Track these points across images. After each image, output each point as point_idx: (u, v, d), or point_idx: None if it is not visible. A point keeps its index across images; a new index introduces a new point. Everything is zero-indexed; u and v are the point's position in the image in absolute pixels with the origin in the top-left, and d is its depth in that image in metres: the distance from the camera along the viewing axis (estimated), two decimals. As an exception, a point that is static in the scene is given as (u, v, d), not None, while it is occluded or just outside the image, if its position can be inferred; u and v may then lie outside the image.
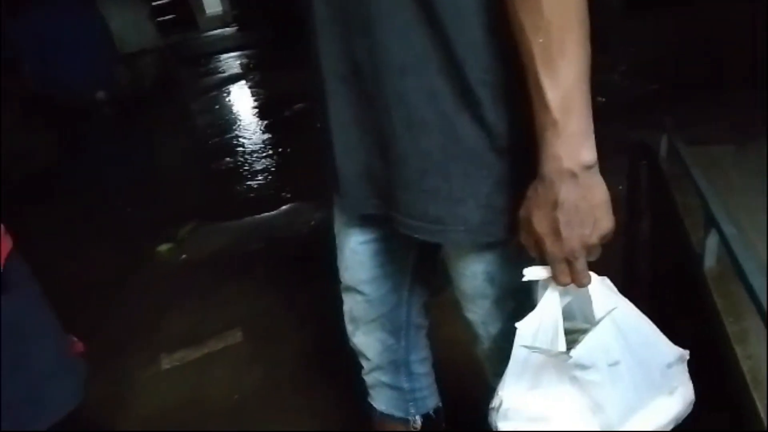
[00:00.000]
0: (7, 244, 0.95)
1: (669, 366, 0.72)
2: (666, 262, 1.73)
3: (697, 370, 0.85)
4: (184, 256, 2.64)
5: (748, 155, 1.80)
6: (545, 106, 0.66)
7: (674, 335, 0.78)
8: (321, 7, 0.81)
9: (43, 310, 1.03)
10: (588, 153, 0.67)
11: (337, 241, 1.05)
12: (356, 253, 1.01)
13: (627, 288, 0.78)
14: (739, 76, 2.67)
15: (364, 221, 0.97)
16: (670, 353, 0.73)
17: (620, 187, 2.15)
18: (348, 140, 0.87)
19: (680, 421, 0.74)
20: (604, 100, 2.90)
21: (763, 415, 0.94)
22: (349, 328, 1.10)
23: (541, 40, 0.65)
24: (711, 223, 1.24)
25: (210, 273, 2.43)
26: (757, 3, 2.76)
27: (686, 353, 0.74)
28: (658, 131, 1.96)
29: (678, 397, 0.72)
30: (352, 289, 1.05)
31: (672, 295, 1.64)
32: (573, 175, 0.67)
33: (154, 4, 7.83)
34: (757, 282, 0.98)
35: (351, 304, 1.08)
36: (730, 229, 1.14)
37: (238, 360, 1.93)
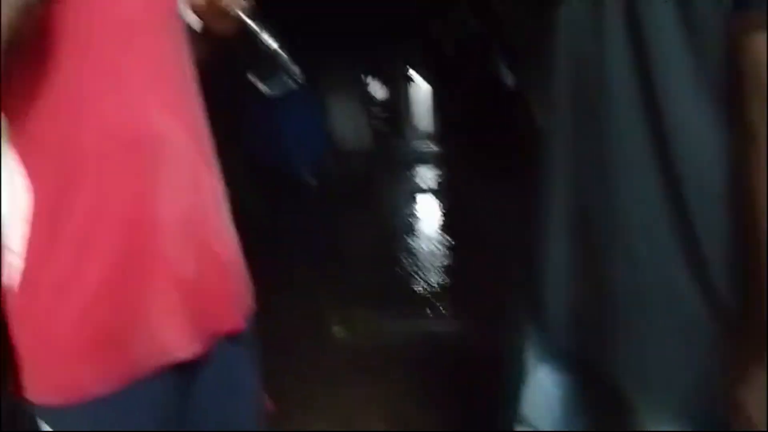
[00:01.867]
0: (251, 298, 1.01)
1: None
2: None
3: None
4: (350, 340, 2.81)
5: None
6: None
7: None
8: (557, 145, 0.88)
9: (255, 365, 1.07)
10: None
11: (524, 374, 1.06)
12: (544, 393, 1.01)
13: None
14: None
15: (559, 360, 0.98)
16: None
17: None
18: (563, 279, 0.89)
19: None
20: None
21: None
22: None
23: None
24: None
25: (368, 362, 2.54)
26: None
27: None
28: None
29: None
30: (526, 422, 1.06)
31: None
32: None
33: (372, 109, 8.80)
34: None
35: None
36: None
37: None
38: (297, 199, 5.98)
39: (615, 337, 0.82)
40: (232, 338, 0.92)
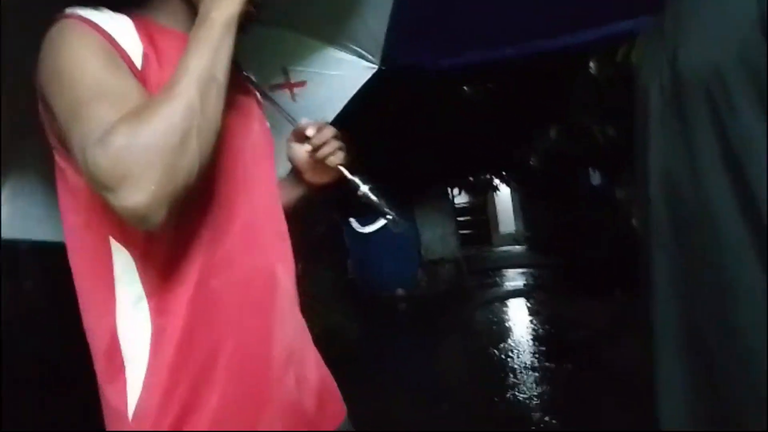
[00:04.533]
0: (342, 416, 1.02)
1: None
2: None
3: None
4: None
5: None
6: None
7: None
8: (662, 264, 0.88)
9: None
10: None
11: None
12: None
13: None
14: None
15: None
16: None
17: None
18: (678, 393, 0.87)
19: None
20: None
21: None
22: None
23: None
24: None
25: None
26: None
27: None
28: None
29: None
30: None
31: None
32: None
33: (459, 219, 9.06)
34: None
35: None
36: None
37: None
38: (388, 314, 6.15)
39: None
40: None
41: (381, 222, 5.40)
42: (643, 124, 0.94)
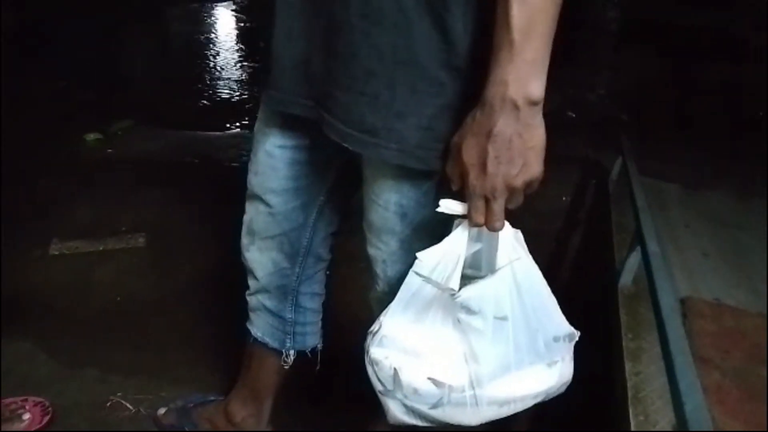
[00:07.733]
0: None
1: (556, 339, 0.67)
2: (589, 273, 1.73)
3: (588, 377, 0.82)
4: (110, 150, 2.48)
5: (696, 198, 1.82)
6: (507, 24, 0.60)
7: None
8: None
9: None
10: (536, 87, 0.61)
11: (253, 142, 0.95)
12: (271, 157, 0.91)
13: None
14: (707, 126, 2.74)
15: (288, 123, 0.88)
16: (560, 327, 0.68)
17: (564, 198, 2.15)
18: (292, 25, 0.77)
19: (550, 398, 0.70)
20: (574, 115, 2.91)
21: (633, 429, 0.92)
22: (245, 241, 1.01)
23: None
24: (638, 240, 1.22)
25: (132, 174, 2.29)
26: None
27: (576, 333, 0.70)
28: (616, 155, 1.97)
29: (555, 372, 0.67)
30: (257, 198, 0.96)
31: (585, 304, 1.64)
32: (515, 107, 0.61)
33: None
34: (665, 301, 0.96)
35: (252, 215, 0.98)
36: (654, 248, 1.12)
37: (133, 265, 1.81)
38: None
39: (340, 83, 0.73)
40: None
41: None
42: None
